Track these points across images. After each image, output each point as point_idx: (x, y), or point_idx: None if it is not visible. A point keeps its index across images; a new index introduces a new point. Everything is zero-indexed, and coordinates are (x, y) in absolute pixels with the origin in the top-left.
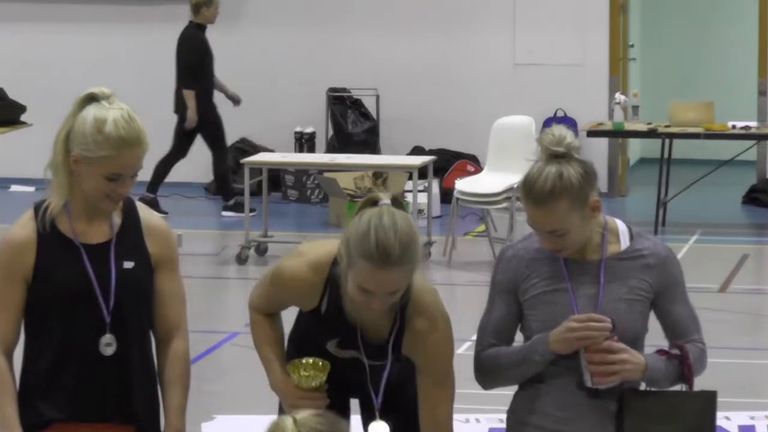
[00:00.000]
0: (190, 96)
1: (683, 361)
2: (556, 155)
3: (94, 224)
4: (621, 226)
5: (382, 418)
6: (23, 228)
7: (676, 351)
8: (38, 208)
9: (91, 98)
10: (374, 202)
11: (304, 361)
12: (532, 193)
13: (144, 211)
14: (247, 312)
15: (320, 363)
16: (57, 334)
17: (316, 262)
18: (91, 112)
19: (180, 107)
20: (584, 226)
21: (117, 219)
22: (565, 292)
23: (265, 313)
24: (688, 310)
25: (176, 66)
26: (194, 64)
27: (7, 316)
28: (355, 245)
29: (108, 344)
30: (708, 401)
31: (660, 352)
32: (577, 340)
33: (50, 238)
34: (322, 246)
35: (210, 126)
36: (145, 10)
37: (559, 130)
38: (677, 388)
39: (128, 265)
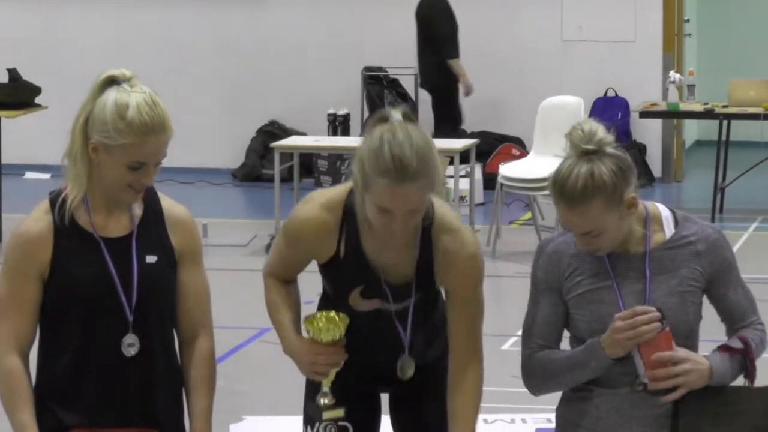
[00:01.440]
0: (457, 64)
1: (746, 355)
2: (586, 152)
3: (113, 216)
4: (664, 211)
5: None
6: (38, 221)
7: (739, 345)
8: (54, 199)
9: (111, 81)
10: (385, 120)
11: (319, 314)
12: (564, 194)
13: (166, 201)
14: None
15: (338, 316)
16: (76, 334)
17: (328, 202)
18: (112, 96)
19: (432, 79)
20: (621, 224)
21: (138, 210)
22: (610, 289)
23: (280, 278)
24: (743, 292)
25: (427, 36)
26: (453, 32)
27: (21, 316)
28: (370, 163)
29: (131, 344)
30: None
31: (722, 348)
32: (628, 340)
33: (68, 232)
34: (332, 189)
35: (446, 96)
36: None
37: (589, 125)
38: (739, 382)
39: (151, 259)
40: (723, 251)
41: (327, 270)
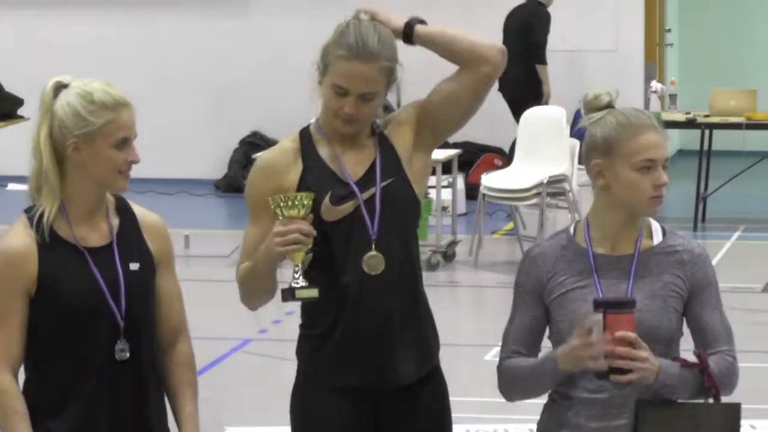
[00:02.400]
0: (544, 71)
1: (704, 370)
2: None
3: (93, 226)
4: (654, 223)
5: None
6: (20, 237)
7: (693, 360)
8: (32, 215)
9: (59, 86)
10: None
11: (283, 195)
12: (646, 121)
13: (138, 209)
14: (260, 317)
15: (302, 194)
16: (70, 346)
17: (285, 139)
18: (71, 93)
19: (519, 88)
20: None
21: (114, 219)
22: (593, 288)
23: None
24: (720, 318)
25: (521, 42)
26: (545, 41)
27: (10, 334)
28: (332, 43)
29: (122, 350)
30: (731, 415)
31: (677, 359)
32: (586, 359)
33: (51, 246)
34: None
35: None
36: None
37: (591, 93)
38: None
39: (134, 266)
40: (705, 267)
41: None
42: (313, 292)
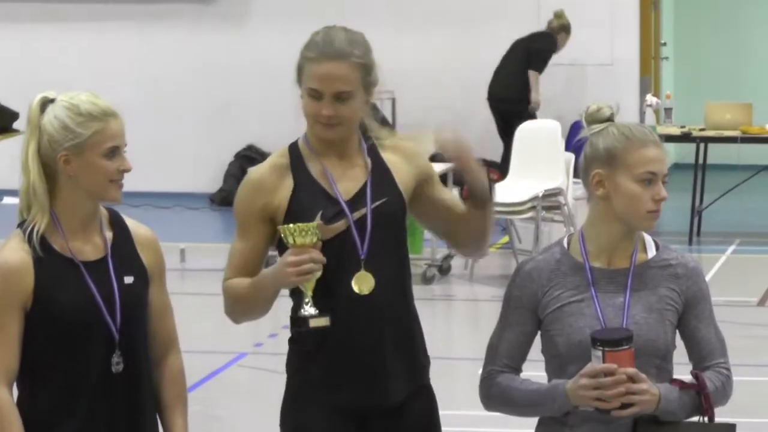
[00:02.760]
0: (536, 77)
1: (701, 391)
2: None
3: (88, 239)
4: (647, 237)
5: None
6: (15, 252)
7: (692, 380)
8: (24, 228)
9: (45, 102)
10: None
11: (295, 224)
12: (648, 136)
13: (131, 222)
14: (256, 330)
15: (314, 224)
16: (66, 359)
17: (274, 154)
18: (57, 107)
19: (509, 98)
20: None
21: (108, 232)
22: (590, 301)
23: (242, 275)
24: (714, 331)
25: (524, 51)
26: (546, 57)
27: (6, 347)
28: (303, 50)
29: (118, 362)
30: None
31: (674, 381)
32: (594, 400)
33: (46, 259)
34: None
35: (521, 118)
36: (143, 9)
37: (594, 106)
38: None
39: (129, 279)
40: (699, 281)
41: (289, 216)
42: (326, 321)
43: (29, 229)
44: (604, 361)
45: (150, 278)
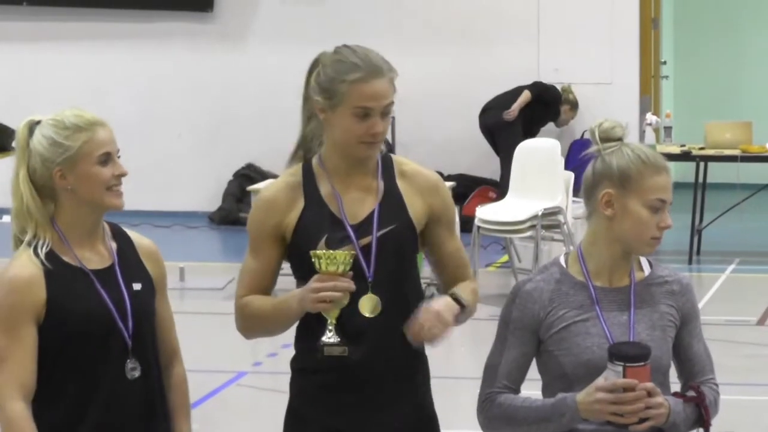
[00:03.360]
0: (526, 96)
1: (700, 404)
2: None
3: (94, 249)
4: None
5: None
6: (25, 266)
7: (692, 393)
8: (31, 245)
9: (32, 124)
10: None
11: (325, 251)
12: (659, 161)
13: (133, 234)
14: (255, 349)
15: (345, 254)
16: (81, 367)
17: (287, 172)
18: (44, 126)
19: (491, 105)
20: None
21: (112, 243)
22: (596, 320)
23: (255, 293)
24: (704, 348)
25: (529, 84)
26: (547, 98)
27: (21, 360)
28: (336, 73)
29: (132, 368)
30: None
31: (676, 395)
32: (610, 414)
33: (56, 271)
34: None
35: (513, 135)
36: (141, 28)
37: (608, 123)
38: None
39: (137, 287)
40: (692, 297)
41: (296, 236)
42: (343, 350)
43: (36, 243)
44: (624, 377)
45: (155, 288)
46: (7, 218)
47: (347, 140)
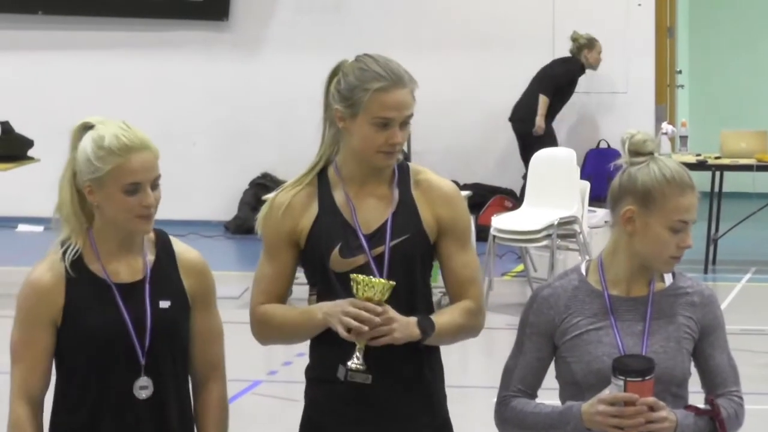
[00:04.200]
0: (544, 102)
1: (715, 418)
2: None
3: (125, 262)
4: None
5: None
6: (50, 269)
7: (706, 406)
8: (63, 247)
9: (85, 127)
10: None
11: (366, 277)
12: (685, 180)
13: (179, 246)
14: (270, 358)
15: (384, 283)
16: (90, 379)
17: (298, 176)
18: (88, 137)
19: (520, 112)
20: None
21: (150, 255)
22: (609, 329)
23: (271, 299)
24: (728, 359)
25: (542, 75)
26: (562, 82)
27: (34, 363)
28: (359, 81)
29: (143, 387)
30: None
31: (689, 408)
32: (611, 427)
33: (79, 279)
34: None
35: (547, 145)
36: (156, 37)
37: (640, 135)
38: None
39: (164, 304)
40: (715, 309)
41: (309, 243)
42: (366, 378)
43: (66, 247)
44: (625, 391)
45: (192, 303)
46: (22, 227)
47: (365, 149)
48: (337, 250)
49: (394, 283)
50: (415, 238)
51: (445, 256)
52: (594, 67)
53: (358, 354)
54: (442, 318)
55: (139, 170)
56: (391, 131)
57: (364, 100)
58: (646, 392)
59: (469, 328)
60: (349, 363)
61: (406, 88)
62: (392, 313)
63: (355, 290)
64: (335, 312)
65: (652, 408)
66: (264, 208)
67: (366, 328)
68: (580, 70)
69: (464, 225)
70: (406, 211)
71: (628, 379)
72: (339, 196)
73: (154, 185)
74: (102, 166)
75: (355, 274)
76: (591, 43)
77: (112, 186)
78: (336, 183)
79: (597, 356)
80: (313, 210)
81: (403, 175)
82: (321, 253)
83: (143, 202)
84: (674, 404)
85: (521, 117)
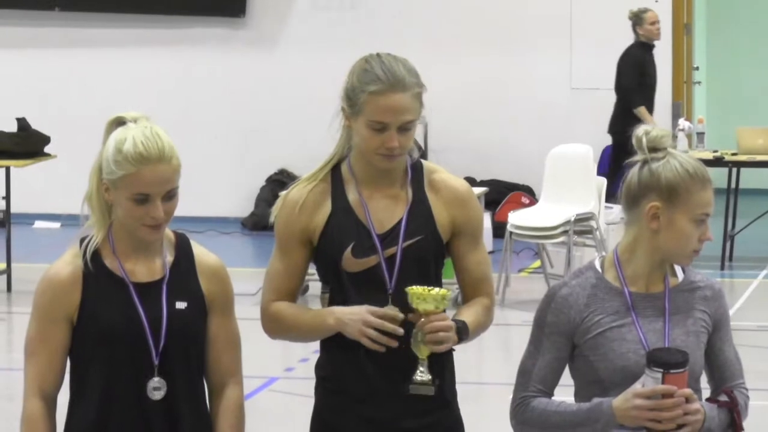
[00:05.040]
0: (643, 112)
1: (733, 409)
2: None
3: (143, 261)
4: None
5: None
6: (68, 265)
7: (724, 398)
8: (82, 243)
9: (118, 122)
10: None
11: (421, 287)
12: (706, 175)
13: (198, 249)
14: (287, 355)
15: (440, 292)
16: (103, 377)
17: (312, 172)
18: (113, 135)
19: (614, 128)
20: None
21: (169, 256)
22: (631, 326)
23: (282, 295)
24: (735, 353)
25: (617, 86)
26: (638, 82)
27: (49, 358)
28: (359, 82)
29: (156, 388)
30: None
31: (710, 400)
32: (648, 421)
33: (97, 276)
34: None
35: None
36: (173, 34)
37: (656, 131)
38: None
39: (181, 305)
40: (724, 303)
41: (322, 241)
42: (430, 389)
43: (87, 243)
44: (663, 383)
45: (209, 308)
46: (39, 224)
47: (365, 150)
48: (349, 250)
49: (449, 291)
50: (428, 239)
51: (458, 255)
52: (652, 39)
53: (422, 367)
54: (470, 318)
55: (150, 183)
56: (387, 135)
57: (362, 101)
58: (682, 384)
59: (487, 324)
60: (415, 377)
61: (405, 93)
62: (450, 321)
63: (411, 303)
64: (353, 322)
65: (687, 400)
66: (277, 204)
67: (395, 343)
68: (641, 48)
69: (477, 224)
70: (419, 212)
71: (667, 371)
72: (352, 195)
73: (169, 196)
74: (116, 170)
75: (409, 287)
76: (638, 18)
77: (123, 192)
78: (349, 180)
79: (621, 353)
80: (327, 208)
81: (417, 174)
82: (333, 253)
83: (150, 213)
84: None
85: (617, 130)
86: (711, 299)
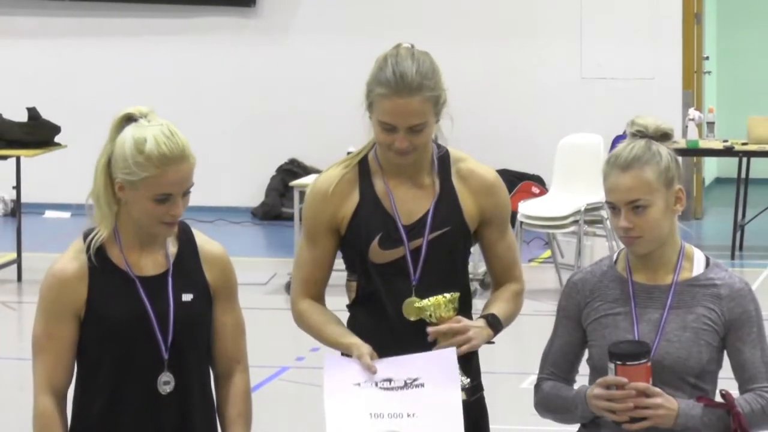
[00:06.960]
0: None
1: (730, 410)
2: (643, 136)
3: (148, 254)
4: (698, 253)
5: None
6: (73, 260)
7: (718, 399)
8: (87, 238)
9: (128, 118)
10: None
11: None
12: (619, 160)
13: (201, 238)
14: (298, 344)
15: (443, 297)
16: (112, 373)
17: (341, 163)
18: (130, 132)
19: None
20: (665, 216)
21: (172, 247)
22: (627, 315)
23: (311, 291)
24: (761, 355)
25: None
26: None
27: (57, 355)
28: (372, 80)
29: (166, 382)
30: None
31: (701, 399)
32: (605, 411)
33: (103, 271)
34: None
35: None
36: (184, 23)
37: (645, 120)
38: None
39: (187, 297)
40: (745, 302)
41: (349, 231)
42: (464, 396)
43: (92, 238)
44: (616, 374)
45: (214, 296)
46: (49, 213)
47: (378, 145)
48: (376, 241)
49: (456, 294)
50: (455, 229)
51: (488, 244)
52: None
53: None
54: (500, 309)
55: (173, 183)
56: (394, 136)
57: (372, 101)
58: (638, 377)
59: (518, 310)
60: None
61: (412, 97)
62: (465, 321)
63: (427, 317)
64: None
65: (645, 394)
66: (307, 192)
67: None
68: None
69: (506, 211)
70: (446, 202)
71: (618, 362)
72: (379, 185)
73: (185, 193)
74: (138, 171)
75: (415, 303)
76: None
77: (144, 192)
78: (376, 171)
79: (611, 341)
80: (354, 198)
81: (443, 163)
82: (360, 244)
83: (171, 211)
84: (693, 395)
85: None
86: (725, 298)
